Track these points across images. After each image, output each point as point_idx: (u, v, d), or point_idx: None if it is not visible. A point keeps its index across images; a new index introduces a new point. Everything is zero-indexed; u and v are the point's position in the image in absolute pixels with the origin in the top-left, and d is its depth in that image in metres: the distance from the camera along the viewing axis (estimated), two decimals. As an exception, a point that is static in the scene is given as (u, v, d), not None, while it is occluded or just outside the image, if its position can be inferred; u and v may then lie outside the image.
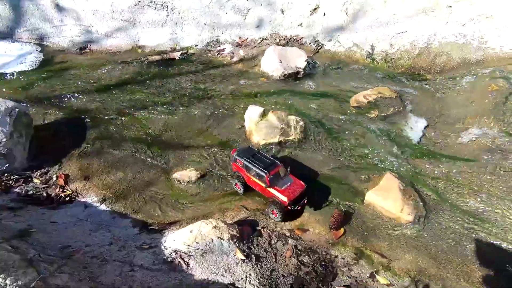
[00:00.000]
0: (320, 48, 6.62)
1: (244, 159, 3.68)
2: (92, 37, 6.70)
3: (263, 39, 6.79)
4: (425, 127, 4.97)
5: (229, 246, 2.98)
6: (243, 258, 2.91)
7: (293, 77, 5.81)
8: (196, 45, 6.81)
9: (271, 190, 3.56)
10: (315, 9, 6.76)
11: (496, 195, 3.82)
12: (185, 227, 3.13)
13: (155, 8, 6.78)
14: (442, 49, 6.09)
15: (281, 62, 5.79)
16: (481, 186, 3.95)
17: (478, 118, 4.87)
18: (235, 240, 3.05)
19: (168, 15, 6.83)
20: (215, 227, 3.03)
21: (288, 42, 6.72)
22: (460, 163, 4.26)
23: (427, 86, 5.80)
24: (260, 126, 4.62)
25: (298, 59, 5.93)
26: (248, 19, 6.91)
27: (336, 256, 3.24)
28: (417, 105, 5.40)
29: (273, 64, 5.82)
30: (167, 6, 6.77)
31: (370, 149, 4.51)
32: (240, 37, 6.85)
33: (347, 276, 3.03)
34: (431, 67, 6.08)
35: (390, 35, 6.41)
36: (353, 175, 4.19)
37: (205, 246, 2.92)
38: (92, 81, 5.68)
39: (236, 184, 3.88)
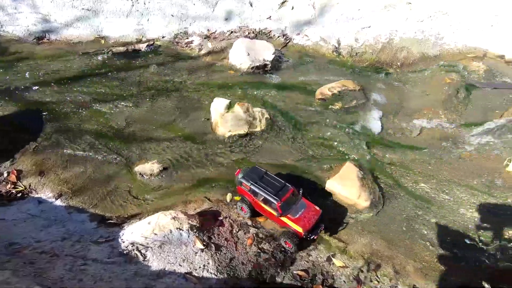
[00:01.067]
0: (289, 42, 6.69)
1: (251, 184, 3.26)
2: (51, 27, 6.34)
3: (232, 32, 6.75)
4: (385, 118, 5.20)
5: (188, 236, 2.98)
6: (202, 247, 2.93)
7: (261, 69, 5.83)
8: (163, 37, 6.63)
9: (284, 219, 3.16)
10: (283, 2, 6.81)
11: (445, 180, 4.09)
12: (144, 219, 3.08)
13: (119, -3, 6.52)
14: (403, 44, 6.36)
15: (249, 54, 5.80)
16: (432, 172, 4.20)
17: (432, 109, 5.16)
18: (195, 230, 3.05)
19: (133, 5, 6.59)
20: (174, 218, 3.01)
21: (257, 35, 6.72)
22: (415, 152, 4.51)
23: (389, 79, 6.05)
24: (226, 118, 4.62)
25: (266, 52, 5.96)
26: (216, 12, 6.83)
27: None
28: (379, 97, 5.62)
29: (241, 56, 5.81)
30: (132, -4, 6.53)
31: (333, 140, 4.65)
32: (208, 30, 6.76)
33: (305, 260, 3.14)
34: (393, 61, 6.34)
35: (355, 30, 6.59)
36: (315, 164, 4.30)
37: (164, 237, 2.89)
38: (50, 73, 5.40)
39: (242, 207, 3.44)
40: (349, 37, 6.62)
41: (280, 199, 3.15)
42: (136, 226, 2.98)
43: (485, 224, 3.41)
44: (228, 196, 3.74)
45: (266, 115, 4.74)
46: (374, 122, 5.10)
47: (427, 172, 4.22)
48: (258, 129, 4.60)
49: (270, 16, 6.85)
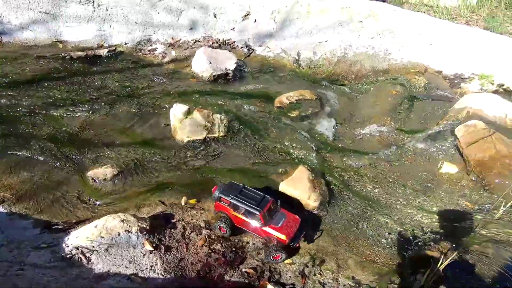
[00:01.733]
0: (251, 53, 6.96)
1: (231, 197, 3.27)
2: (4, 28, 6.09)
3: (196, 41, 6.90)
4: (339, 126, 5.56)
5: (137, 238, 2.98)
6: (151, 249, 2.94)
7: (223, 78, 6.01)
8: (126, 43, 6.62)
9: (267, 229, 3.21)
10: (246, 15, 7.11)
11: (389, 182, 4.45)
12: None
13: (80, 1, 6.44)
14: (356, 58, 6.88)
15: (210, 63, 5.96)
16: (377, 175, 4.55)
17: (380, 118, 5.61)
18: (145, 232, 3.06)
19: (94, 11, 6.54)
20: (123, 220, 3.01)
21: (221, 45, 6.93)
22: (363, 156, 4.87)
23: (343, 90, 6.48)
24: (184, 124, 4.69)
25: (228, 62, 6.16)
26: (181, 21, 6.97)
27: (247, 243, 3.45)
28: (334, 106, 6.01)
29: (202, 65, 5.96)
30: (93, 1, 6.48)
31: (289, 145, 4.88)
32: (172, 38, 6.86)
33: (255, 259, 3.25)
34: (348, 74, 6.81)
35: (313, 43, 7.03)
36: (272, 168, 4.49)
37: (111, 240, 2.87)
38: (1, 76, 5.16)
39: (220, 227, 3.35)
40: (308, 50, 7.04)
41: (262, 209, 3.19)
42: (82, 230, 2.93)
43: (419, 220, 3.75)
44: (183, 200, 3.79)
45: (226, 122, 4.89)
46: (327, 129, 5.43)
47: (373, 175, 4.56)
48: (217, 134, 4.72)
49: (233, 28, 7.11)
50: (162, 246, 3.03)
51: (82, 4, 6.44)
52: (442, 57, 6.44)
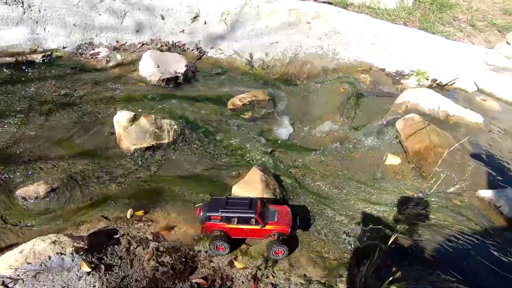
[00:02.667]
0: (203, 55, 6.83)
1: (221, 212, 3.13)
2: None
3: (143, 44, 6.60)
4: (292, 125, 5.65)
5: (72, 260, 2.72)
6: (89, 270, 2.70)
7: (173, 82, 5.81)
8: (64, 48, 6.12)
9: (267, 227, 3.16)
10: (195, 17, 6.97)
11: (339, 177, 4.59)
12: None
13: (6, 2, 5.82)
14: (306, 58, 7.07)
15: (158, 67, 5.72)
16: (328, 171, 4.69)
17: (331, 115, 5.81)
18: (82, 253, 2.80)
19: (24, 12, 5.95)
20: (54, 242, 2.72)
21: (171, 48, 6.71)
22: (315, 153, 4.99)
23: (296, 90, 6.62)
24: (130, 131, 4.43)
25: (177, 65, 5.97)
26: (126, 23, 6.62)
27: (199, 251, 3.32)
28: (287, 106, 6.10)
29: (150, 68, 5.71)
30: (22, 2, 5.90)
31: (242, 147, 4.84)
32: (117, 41, 6.49)
33: (207, 268, 3.14)
34: (299, 74, 6.97)
35: (265, 45, 7.09)
36: (225, 172, 4.41)
37: (40, 265, 2.58)
38: None
39: (217, 247, 3.17)
40: (260, 51, 7.09)
41: (256, 211, 3.12)
42: (3, 257, 2.59)
43: (366, 212, 3.91)
44: (129, 212, 3.55)
45: (175, 127, 4.70)
46: (281, 129, 5.49)
47: (324, 171, 4.68)
48: (166, 141, 4.52)
49: (183, 30, 6.93)
50: (102, 266, 2.80)
51: (9, 4, 5.83)
52: (384, 55, 6.87)
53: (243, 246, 3.41)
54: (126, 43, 6.51)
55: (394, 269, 2.62)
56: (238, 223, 3.18)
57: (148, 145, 4.38)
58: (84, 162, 4.10)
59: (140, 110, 5.01)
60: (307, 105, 6.22)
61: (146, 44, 6.60)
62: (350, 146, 5.17)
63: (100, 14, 6.42)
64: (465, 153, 4.41)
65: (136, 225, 3.42)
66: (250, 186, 4.02)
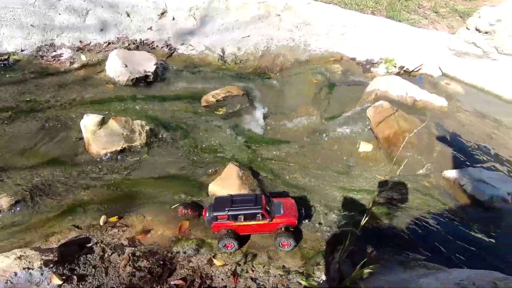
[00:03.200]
0: (173, 52, 6.66)
1: (227, 210, 3.12)
2: None
3: (109, 43, 6.33)
4: (267, 119, 5.67)
5: (41, 274, 2.61)
6: (60, 282, 2.60)
7: (143, 81, 5.63)
8: (23, 50, 5.76)
9: (274, 221, 3.18)
10: (163, 13, 6.76)
11: (315, 168, 4.67)
12: (-24, 267, 2.56)
13: (-48, 4, 5.39)
14: (279, 51, 7.07)
15: (126, 66, 5.53)
16: (305, 162, 4.76)
17: (305, 107, 5.88)
18: (52, 265, 2.70)
19: (-26, 14, 5.53)
20: (20, 257, 2.60)
21: (139, 46, 6.48)
22: (291, 146, 5.04)
23: (270, 83, 6.63)
24: (99, 135, 4.27)
25: (147, 63, 5.78)
26: (89, 22, 6.31)
27: (177, 252, 3.28)
28: (261, 100, 6.10)
29: (117, 68, 5.50)
30: (-29, 3, 5.48)
31: (217, 144, 4.81)
32: (81, 41, 6.19)
33: (186, 268, 3.11)
34: (273, 67, 6.97)
35: (236, 39, 7.01)
36: (201, 170, 4.36)
37: (6, 283, 2.46)
38: None
39: (225, 244, 3.17)
40: (232, 45, 7.01)
41: (261, 206, 3.13)
42: (-36, 278, 2.45)
43: (341, 200, 4.01)
44: (102, 219, 3.44)
45: (147, 128, 4.58)
46: (256, 123, 5.50)
47: (301, 163, 4.74)
48: (138, 142, 4.40)
49: (151, 27, 6.70)
50: (75, 276, 2.71)
51: (-44, 6, 5.40)
52: (354, 45, 6.99)
53: (222, 243, 3.41)
54: (90, 43, 6.22)
55: (367, 253, 2.72)
56: (245, 219, 3.19)
57: (119, 149, 4.24)
58: (51, 170, 3.92)
59: (109, 112, 4.84)
60: (282, 98, 6.25)
61: (113, 43, 6.34)
62: (325, 136, 5.26)
63: (59, 13, 6.08)
64: (432, 136, 4.61)
65: (110, 231, 3.33)
66: (226, 182, 4.01)
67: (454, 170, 3.94)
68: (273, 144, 5.06)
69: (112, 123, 4.39)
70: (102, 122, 4.38)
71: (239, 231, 3.27)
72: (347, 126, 5.32)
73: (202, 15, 6.91)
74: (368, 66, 6.81)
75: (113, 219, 3.48)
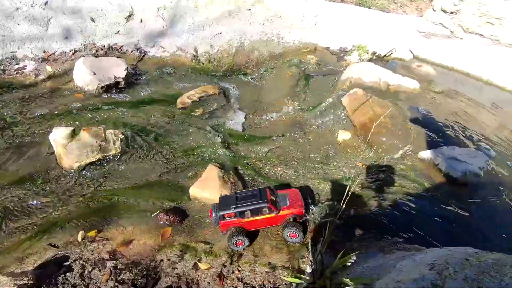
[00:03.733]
0: (144, 55, 6.49)
1: (233, 208, 3.11)
2: None
3: (76, 51, 6.10)
4: (246, 115, 5.62)
5: (16, 300, 2.50)
6: (37, 306, 2.51)
7: (114, 88, 5.46)
8: (-18, 65, 5.47)
9: (282, 213, 3.20)
10: (130, 16, 6.56)
11: (296, 160, 4.68)
12: None
13: None
14: (253, 46, 7.01)
15: (95, 74, 5.34)
16: (286, 155, 4.75)
17: (283, 100, 5.87)
18: (27, 289, 2.59)
19: None
20: (-9, 285, 2.48)
21: (107, 52, 6.28)
22: (272, 140, 5.01)
23: (246, 79, 6.58)
24: (71, 148, 4.12)
25: (117, 69, 5.61)
26: (51, 30, 6.05)
27: (162, 260, 3.23)
28: (240, 97, 6.05)
29: (86, 77, 5.30)
30: None
31: (196, 146, 4.73)
32: (45, 51, 5.93)
33: (170, 276, 3.07)
34: (248, 63, 6.91)
35: (208, 37, 6.90)
36: (181, 174, 4.29)
37: (-23, 313, 2.35)
38: None
39: (236, 243, 3.15)
40: (205, 44, 6.89)
41: (267, 199, 3.13)
42: None
43: (324, 190, 4.04)
44: (80, 235, 3.34)
45: (121, 136, 4.45)
46: (235, 121, 5.44)
47: (282, 156, 4.74)
48: (113, 152, 4.27)
49: (118, 31, 6.50)
50: (53, 298, 2.61)
51: None
52: (327, 34, 7.02)
53: (206, 246, 3.38)
54: (55, 52, 5.97)
55: (348, 241, 2.75)
56: (252, 215, 3.17)
57: (93, 160, 4.11)
58: (21, 189, 3.75)
59: (80, 123, 4.67)
60: (259, 93, 6.21)
61: (79, 50, 6.11)
62: (304, 128, 5.28)
63: (19, 24, 5.79)
64: (406, 119, 4.70)
65: (89, 246, 3.23)
66: (207, 184, 3.96)
67: (429, 151, 4.03)
68: (253, 140, 5.03)
69: (84, 134, 4.24)
70: (73, 134, 4.22)
71: (248, 227, 3.26)
72: (325, 116, 5.35)
73: (171, 15, 6.75)
74: (342, 55, 6.86)
75: (92, 233, 3.38)
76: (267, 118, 5.56)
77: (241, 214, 3.18)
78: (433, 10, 6.46)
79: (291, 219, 3.24)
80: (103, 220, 3.55)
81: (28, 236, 3.32)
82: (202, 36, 6.89)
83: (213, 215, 3.24)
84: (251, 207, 3.15)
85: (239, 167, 4.49)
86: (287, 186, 4.19)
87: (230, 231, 3.22)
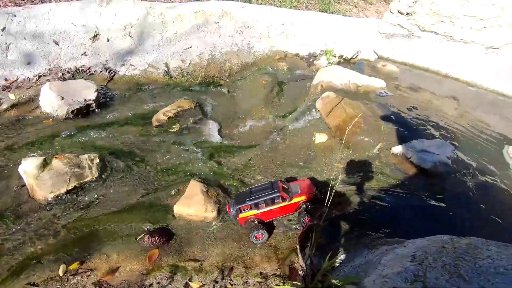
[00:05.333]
0: (114, 75, 6.36)
1: (248, 200, 3.34)
2: None
3: (40, 76, 5.86)
4: (223, 127, 5.65)
5: None
6: None
7: (85, 111, 5.30)
8: None
9: (294, 200, 3.40)
10: (95, 36, 6.41)
11: (276, 166, 4.75)
12: None
13: None
14: (224, 57, 7.09)
15: (63, 98, 5.16)
16: (266, 163, 4.82)
17: (258, 109, 5.97)
18: (7, 335, 2.43)
19: None
20: (-34, 336, 2.30)
21: (74, 74, 6.09)
22: (251, 150, 5.08)
23: (221, 90, 6.63)
24: (43, 179, 3.93)
25: (86, 91, 5.45)
26: (11, 56, 5.78)
27: (151, 285, 3.15)
28: (215, 109, 6.07)
29: (53, 102, 5.11)
30: None
31: (176, 163, 4.68)
32: (6, 79, 5.64)
33: (162, 299, 3.00)
34: (221, 74, 6.98)
35: (179, 52, 6.90)
36: (163, 194, 4.22)
37: None
38: None
39: (256, 236, 3.36)
40: (176, 59, 6.88)
41: (278, 189, 3.31)
42: None
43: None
44: (61, 269, 3.18)
45: (97, 160, 4.32)
46: (213, 133, 5.45)
47: (263, 164, 4.80)
48: (89, 178, 4.12)
49: (85, 52, 6.33)
50: None
51: None
52: (295, 41, 7.25)
53: (196, 264, 3.33)
54: (17, 79, 5.70)
55: (335, 242, 2.83)
56: (266, 206, 3.37)
57: (69, 189, 3.94)
58: (-8, 228, 3.52)
59: (51, 151, 4.47)
60: (235, 104, 6.28)
61: (44, 75, 5.88)
62: (282, 134, 5.39)
63: (-26, 53, 5.49)
64: (377, 118, 4.94)
65: (72, 280, 3.09)
66: (191, 200, 3.92)
67: (400, 146, 4.26)
68: (233, 151, 5.06)
69: (56, 163, 4.07)
70: (45, 164, 4.04)
71: (264, 218, 3.46)
72: (301, 121, 5.50)
73: (139, 32, 6.69)
74: (311, 60, 7.10)
75: (74, 265, 3.23)
76: (245, 127, 5.63)
77: (256, 205, 3.40)
78: (391, 12, 6.87)
79: (303, 206, 3.45)
80: (85, 251, 3.41)
81: (4, 277, 3.12)
82: (172, 51, 6.87)
83: (231, 210, 3.47)
84: (264, 198, 3.36)
85: (221, 179, 4.50)
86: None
87: (248, 225, 3.44)
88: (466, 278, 1.76)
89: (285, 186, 3.51)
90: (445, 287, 1.73)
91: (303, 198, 3.43)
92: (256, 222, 3.39)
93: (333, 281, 2.03)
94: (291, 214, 3.56)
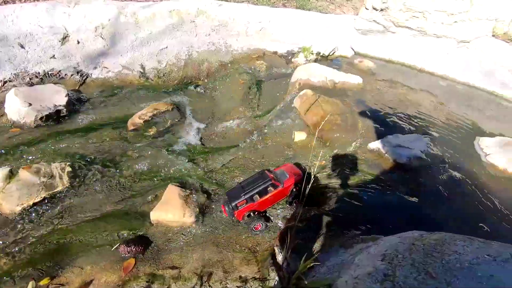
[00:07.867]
0: (86, 78, 6.12)
1: (242, 195, 3.40)
2: None
3: (6, 82, 5.56)
4: (203, 128, 5.55)
5: None
6: None
7: (55, 117, 5.07)
8: None
9: (286, 184, 3.51)
10: (65, 38, 6.14)
11: (257, 166, 4.71)
12: None
13: None
14: (201, 57, 6.96)
15: (31, 104, 4.91)
16: (247, 163, 4.77)
17: (237, 109, 5.90)
18: None
19: None
20: None
21: (43, 79, 5.81)
22: (230, 151, 5.01)
23: (199, 91, 6.51)
24: (9, 190, 3.73)
25: (55, 96, 5.21)
26: (-27, 62, 5.45)
27: (129, 297, 3.06)
28: (195, 110, 5.96)
29: (20, 109, 4.85)
30: None
31: (153, 167, 4.56)
32: (-32, 86, 5.32)
33: (139, 310, 2.91)
34: (199, 74, 6.85)
35: (154, 52, 6.71)
36: (140, 199, 4.10)
37: None
38: None
39: (255, 227, 3.45)
40: (152, 60, 6.69)
41: (269, 178, 3.45)
42: None
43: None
44: (31, 285, 3.04)
45: (68, 169, 4.14)
46: (192, 135, 5.35)
47: (243, 165, 4.74)
48: (60, 187, 3.95)
49: (53, 55, 6.05)
50: None
51: None
52: (273, 38, 7.20)
53: (175, 272, 3.26)
54: (-20, 85, 5.39)
55: (311, 243, 2.82)
56: (260, 196, 3.45)
57: (38, 200, 3.77)
58: (-46, 246, 3.31)
59: (19, 162, 4.26)
60: (213, 104, 6.18)
61: (9, 80, 5.58)
62: (262, 133, 5.34)
63: None
64: (354, 114, 4.98)
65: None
66: (169, 205, 3.83)
67: (377, 141, 4.30)
68: (213, 152, 4.98)
69: (24, 173, 3.87)
70: (11, 175, 3.84)
71: (260, 208, 3.54)
72: (280, 119, 5.46)
73: (111, 33, 6.45)
74: (289, 57, 7.08)
75: (45, 281, 3.10)
76: (224, 128, 5.55)
77: (251, 199, 3.47)
78: (366, 8, 6.94)
79: (294, 189, 3.58)
80: (57, 264, 3.27)
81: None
82: (147, 52, 6.67)
83: (227, 209, 3.51)
84: (258, 189, 3.45)
85: (199, 182, 4.41)
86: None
87: (247, 219, 3.47)
88: (433, 275, 1.78)
89: (273, 173, 3.66)
90: (414, 286, 1.74)
91: (293, 180, 3.59)
92: (254, 214, 3.46)
93: (307, 284, 2.01)
94: (286, 198, 3.69)
